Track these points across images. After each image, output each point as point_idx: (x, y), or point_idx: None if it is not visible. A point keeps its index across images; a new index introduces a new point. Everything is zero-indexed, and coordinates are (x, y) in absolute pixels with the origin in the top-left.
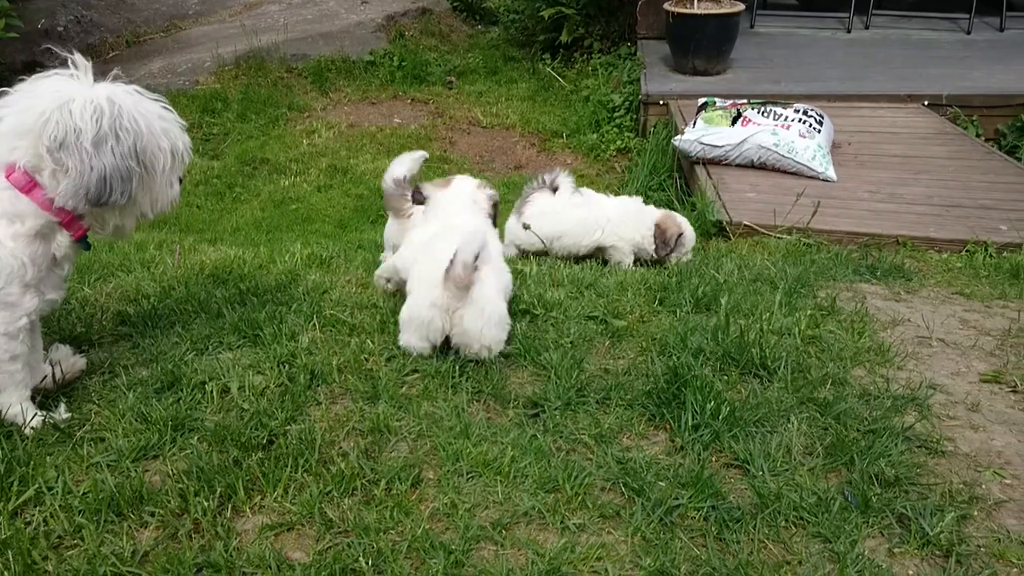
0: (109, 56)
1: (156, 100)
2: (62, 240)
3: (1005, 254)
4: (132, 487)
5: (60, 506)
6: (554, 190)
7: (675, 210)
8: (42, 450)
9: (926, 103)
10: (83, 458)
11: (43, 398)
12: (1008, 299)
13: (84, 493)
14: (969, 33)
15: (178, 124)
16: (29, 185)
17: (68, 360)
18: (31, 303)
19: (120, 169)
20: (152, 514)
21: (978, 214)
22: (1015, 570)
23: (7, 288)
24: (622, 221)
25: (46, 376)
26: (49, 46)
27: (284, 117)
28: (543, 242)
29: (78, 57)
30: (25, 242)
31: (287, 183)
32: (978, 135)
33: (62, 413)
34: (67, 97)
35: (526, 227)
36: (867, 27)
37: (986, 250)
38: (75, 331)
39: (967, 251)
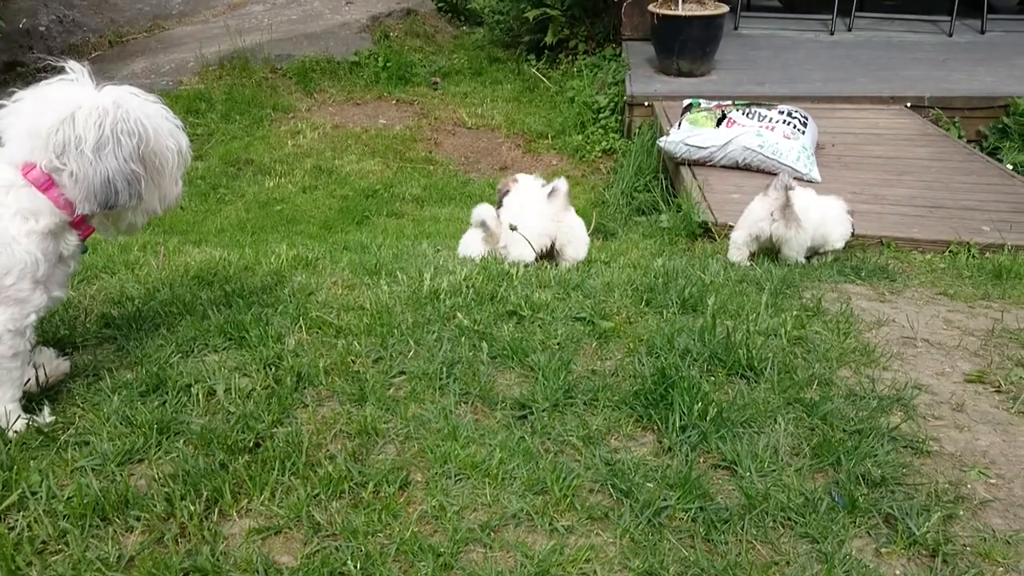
0: (92, 56)
1: (155, 101)
2: (71, 239)
3: (988, 255)
4: (117, 491)
5: (44, 511)
6: (790, 189)
7: (660, 211)
8: (26, 454)
9: (908, 105)
10: (67, 462)
11: (27, 401)
12: (991, 299)
13: (69, 497)
14: (951, 35)
15: (179, 124)
16: (47, 183)
17: (52, 363)
18: (40, 299)
19: (124, 172)
20: (138, 518)
21: (961, 215)
22: (1000, 569)
23: (19, 284)
24: (842, 218)
25: (29, 379)
26: (31, 48)
27: (268, 118)
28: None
29: (72, 63)
30: (38, 239)
31: (272, 184)
32: (960, 137)
33: (46, 416)
34: (75, 105)
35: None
36: (850, 29)
37: (969, 251)
38: (59, 333)
39: (950, 252)
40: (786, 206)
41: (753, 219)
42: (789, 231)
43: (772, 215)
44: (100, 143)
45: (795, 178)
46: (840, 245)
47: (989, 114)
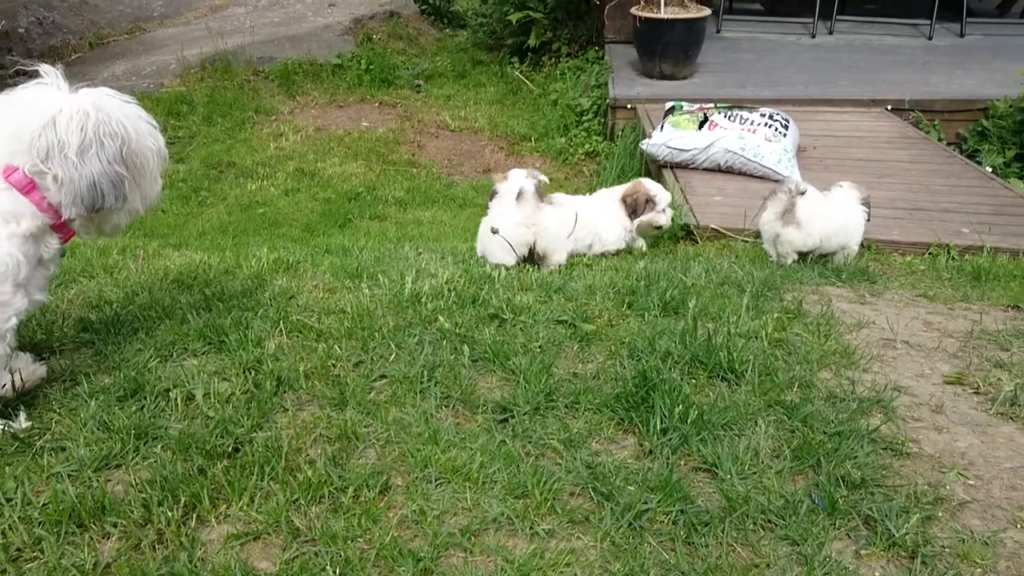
0: (72, 58)
1: (131, 102)
2: (51, 242)
3: (967, 257)
4: (94, 497)
5: (19, 518)
6: (802, 194)
7: None
8: (1, 460)
9: (889, 107)
10: (43, 468)
11: (2, 407)
12: (970, 301)
13: (44, 504)
14: (931, 39)
15: (154, 124)
16: (28, 186)
17: (28, 368)
18: (21, 303)
19: (109, 174)
20: (114, 525)
21: (940, 217)
22: (979, 570)
23: (0, 287)
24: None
25: (6, 384)
26: (11, 50)
27: (251, 120)
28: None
29: (45, 66)
30: (20, 242)
31: (254, 187)
32: (940, 139)
33: (22, 422)
34: (55, 109)
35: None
36: (831, 32)
37: (948, 253)
38: (35, 338)
39: (930, 254)
40: (787, 210)
41: (763, 220)
42: (787, 228)
43: (777, 216)
44: (84, 146)
45: (775, 180)
46: (856, 250)
47: (968, 117)
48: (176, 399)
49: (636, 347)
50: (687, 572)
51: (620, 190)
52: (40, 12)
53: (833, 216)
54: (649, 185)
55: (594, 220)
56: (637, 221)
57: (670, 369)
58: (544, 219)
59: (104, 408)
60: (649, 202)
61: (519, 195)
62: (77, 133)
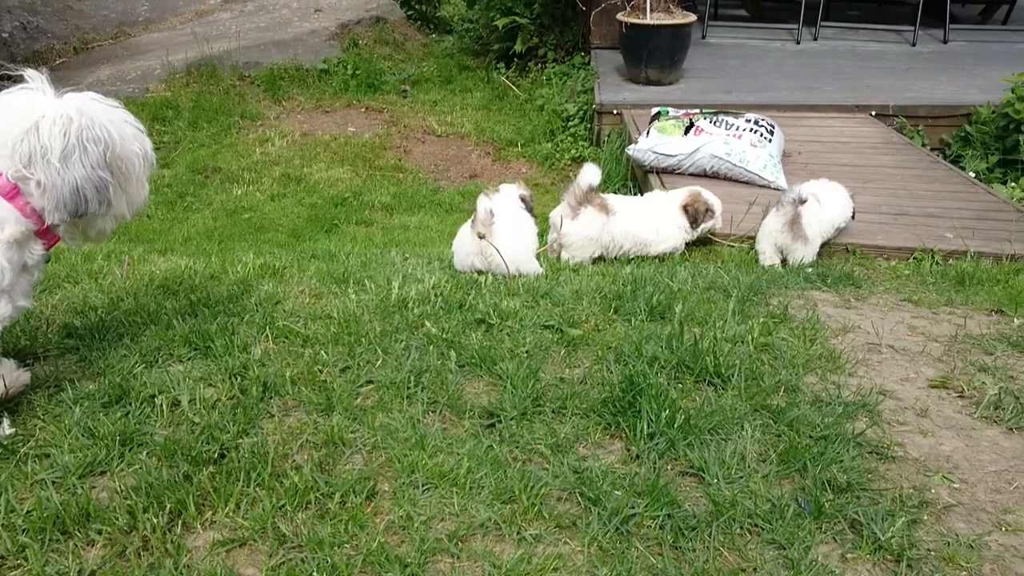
0: (56, 63)
1: (117, 107)
2: (36, 248)
3: (951, 261)
4: (78, 504)
5: (3, 525)
6: (802, 202)
7: None
8: None
9: (873, 113)
10: (27, 475)
11: None
12: (954, 305)
13: (28, 511)
14: (914, 45)
15: (141, 129)
16: (12, 192)
17: (12, 374)
18: (5, 310)
19: (92, 180)
20: (99, 532)
21: (924, 222)
22: (964, 573)
23: None
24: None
25: None
26: None
27: (236, 125)
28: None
29: (31, 71)
30: (4, 248)
31: (240, 192)
32: (924, 145)
33: (5, 429)
34: (39, 114)
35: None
36: (816, 39)
37: (932, 257)
38: (19, 344)
39: (914, 259)
40: (795, 221)
41: (768, 230)
42: (796, 244)
43: (782, 228)
44: (66, 151)
45: (761, 185)
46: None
47: (952, 123)
48: (161, 405)
49: (623, 352)
50: None
51: (677, 197)
52: (24, 17)
53: (832, 220)
54: (707, 195)
55: (639, 226)
56: (699, 229)
57: (657, 374)
58: (498, 239)
59: (89, 414)
60: (708, 211)
61: (472, 220)
62: (60, 138)
